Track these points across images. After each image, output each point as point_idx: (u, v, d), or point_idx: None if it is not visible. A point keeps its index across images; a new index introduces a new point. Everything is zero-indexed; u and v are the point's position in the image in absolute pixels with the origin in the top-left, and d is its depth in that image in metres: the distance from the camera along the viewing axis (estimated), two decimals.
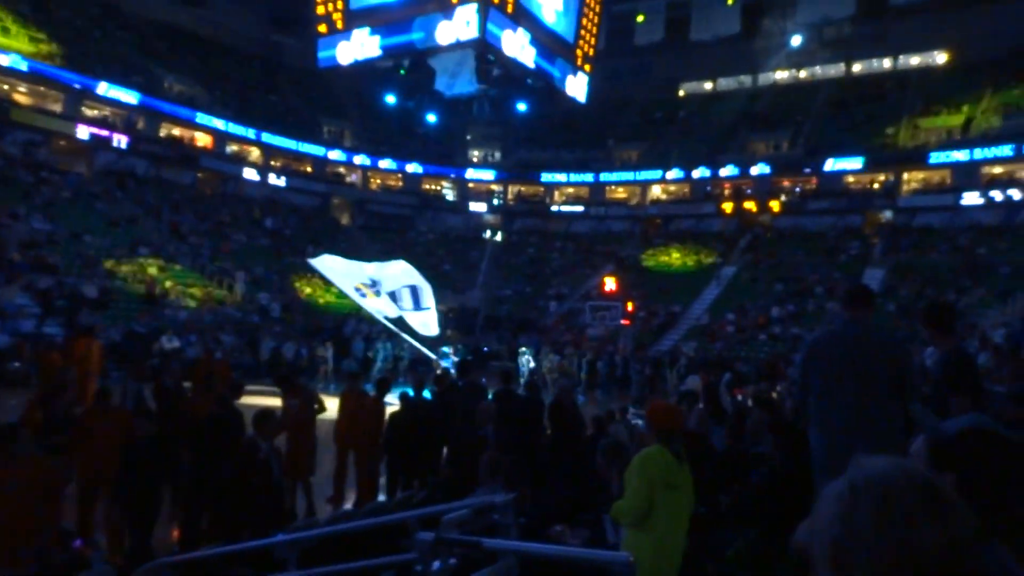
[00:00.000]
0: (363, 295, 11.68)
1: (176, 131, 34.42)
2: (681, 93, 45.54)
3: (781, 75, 42.78)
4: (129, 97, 31.71)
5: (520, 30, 10.29)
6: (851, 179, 35.49)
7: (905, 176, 34.31)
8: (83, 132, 30.09)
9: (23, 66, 28.45)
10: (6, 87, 29.19)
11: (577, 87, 11.87)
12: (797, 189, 36.65)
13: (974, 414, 1.67)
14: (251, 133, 36.47)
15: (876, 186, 34.96)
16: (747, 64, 42.23)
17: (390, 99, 18.52)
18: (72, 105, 30.32)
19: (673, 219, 38.81)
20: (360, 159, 40.48)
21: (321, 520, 5.70)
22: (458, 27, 9.93)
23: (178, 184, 33.00)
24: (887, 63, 40.58)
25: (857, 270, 29.77)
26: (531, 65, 10.96)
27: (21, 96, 29.77)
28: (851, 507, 0.86)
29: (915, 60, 39.61)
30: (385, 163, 41.22)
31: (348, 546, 4.24)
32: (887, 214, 33.94)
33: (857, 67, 41.30)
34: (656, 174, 39.31)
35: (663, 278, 32.72)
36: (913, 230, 31.76)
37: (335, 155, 39.90)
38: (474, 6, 9.55)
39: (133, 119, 32.37)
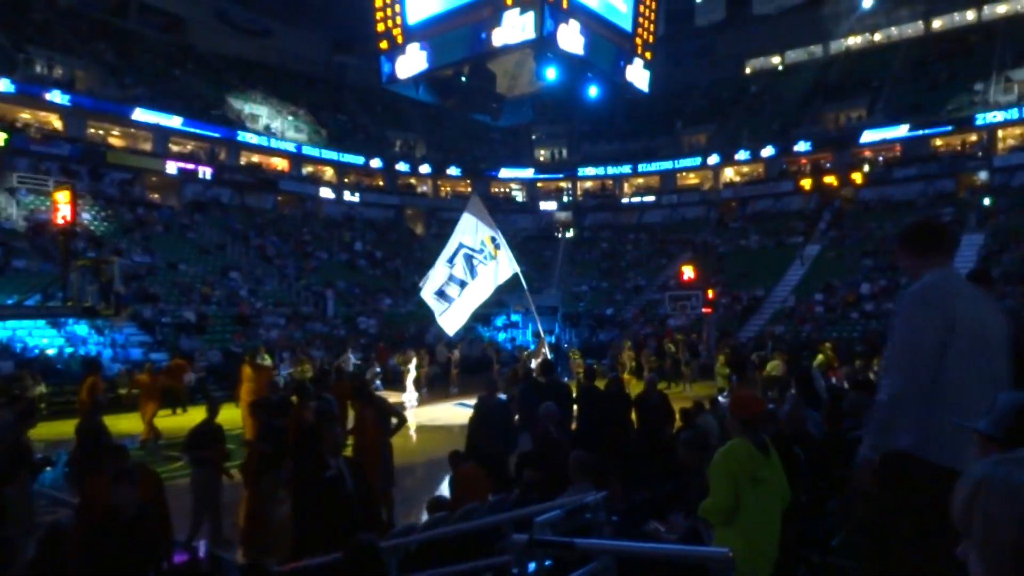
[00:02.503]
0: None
1: (255, 158, 36.02)
2: (748, 71, 44.17)
3: (854, 41, 40.81)
4: (205, 130, 33.46)
5: (576, 24, 10.21)
6: (939, 142, 33.46)
7: (1000, 133, 32.06)
8: (171, 167, 31.92)
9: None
10: (102, 132, 31.28)
11: (639, 76, 11.65)
12: (880, 158, 34.84)
13: None
14: (323, 153, 37.77)
15: (968, 147, 32.81)
16: (816, 33, 40.54)
17: (453, 109, 18.73)
18: (160, 143, 32.21)
19: (749, 201, 37.64)
20: (426, 168, 41.15)
21: (418, 526, 5.81)
22: (514, 29, 9.94)
23: (260, 209, 34.52)
24: (971, 15, 38.07)
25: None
26: (590, 59, 10.85)
27: (115, 139, 31.84)
28: None
29: (1002, 8, 36.98)
30: (458, 171, 41.76)
31: (445, 551, 4.33)
32: (982, 175, 31.82)
33: (937, 23, 38.93)
34: (727, 156, 38.22)
35: (744, 262, 31.78)
36: (1012, 190, 29.65)
37: (408, 168, 40.75)
38: (530, 6, 9.54)
39: (215, 150, 34.09)
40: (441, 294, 11.16)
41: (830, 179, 34.83)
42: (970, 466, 2.40)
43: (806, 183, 35.57)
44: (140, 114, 31.00)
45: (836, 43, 41.03)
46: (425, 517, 6.32)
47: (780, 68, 43.13)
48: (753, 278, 29.82)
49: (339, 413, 7.81)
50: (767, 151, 36.76)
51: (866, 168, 34.45)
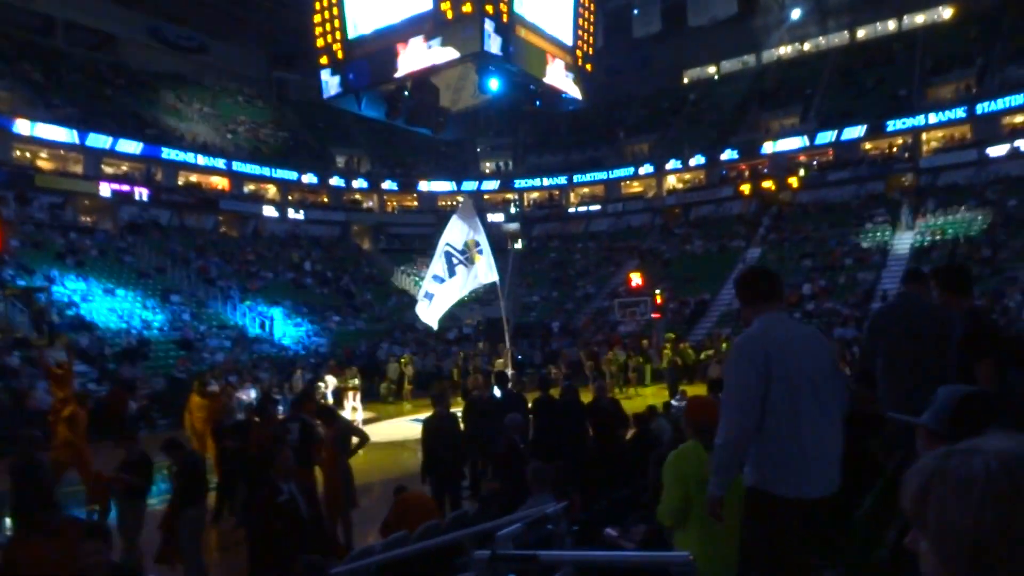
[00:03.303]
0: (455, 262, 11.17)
1: (193, 177, 35.09)
2: (685, 80, 45.26)
3: (785, 50, 42.30)
4: (140, 149, 32.42)
5: (517, 38, 10.34)
6: (868, 145, 34.90)
7: (924, 136, 33.66)
8: (105, 190, 30.81)
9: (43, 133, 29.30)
10: (28, 155, 30.02)
11: (579, 88, 11.88)
12: (814, 163, 36.14)
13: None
14: (265, 171, 37.04)
15: (895, 150, 34.32)
16: (749, 43, 41.84)
17: (396, 122, 18.63)
18: (92, 165, 31.07)
19: (692, 207, 38.51)
20: (359, 183, 40.82)
21: (376, 547, 5.72)
22: (456, 43, 10.00)
23: (201, 229, 33.61)
24: (892, 25, 39.95)
25: (885, 237, 29.27)
26: (531, 71, 11.00)
27: (43, 162, 30.60)
28: (997, 498, 0.75)
29: (920, 18, 38.96)
30: (395, 185, 41.55)
31: (405, 571, 4.27)
32: (909, 177, 33.32)
33: (862, 32, 40.72)
34: (668, 164, 39.07)
35: (689, 267, 32.47)
36: (939, 189, 31.12)
37: (343, 183, 40.34)
38: (471, 20, 9.62)
39: (151, 171, 33.06)
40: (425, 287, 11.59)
41: (768, 184, 35.95)
42: (807, 491, 2.64)
43: (745, 188, 36.61)
44: (70, 135, 29.89)
45: (768, 53, 42.45)
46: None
47: (716, 77, 44.35)
48: (699, 282, 30.48)
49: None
50: (706, 158, 37.72)
51: (801, 172, 35.68)
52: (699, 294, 29.71)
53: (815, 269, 28.42)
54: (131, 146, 31.97)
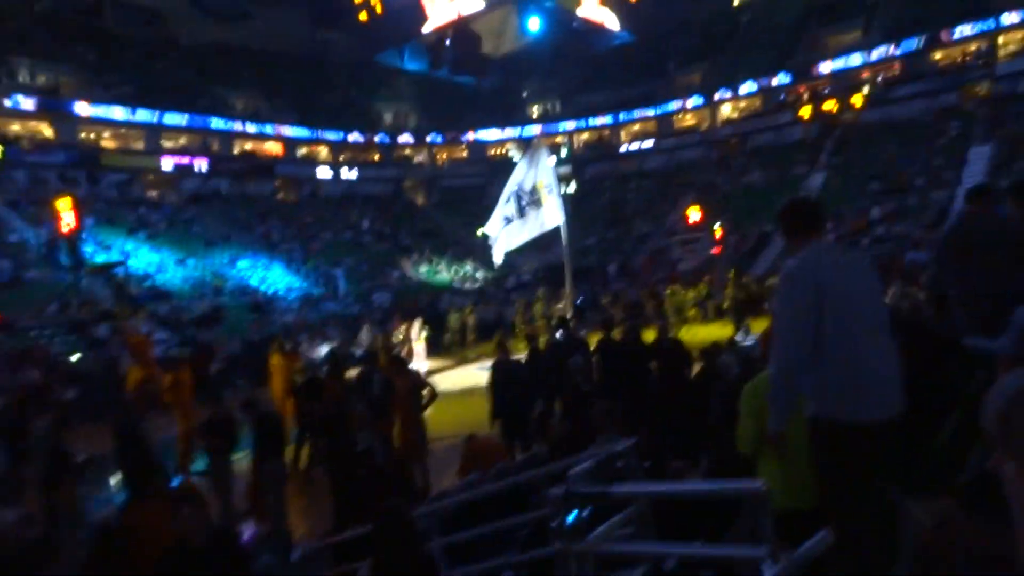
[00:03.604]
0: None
1: (248, 145, 35.81)
2: (736, 2, 43.13)
3: None
4: (194, 122, 33.26)
5: None
6: (938, 55, 32.72)
7: (1001, 40, 31.29)
8: (167, 164, 31.83)
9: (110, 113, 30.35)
10: (93, 135, 31.15)
11: (618, 19, 11.53)
12: (879, 79, 34.15)
13: None
14: (315, 133, 37.48)
15: (968, 58, 32.07)
16: None
17: (440, 74, 18.51)
18: (152, 141, 32.06)
19: (749, 137, 37.13)
20: (406, 138, 40.82)
21: (452, 490, 5.97)
22: None
23: (260, 196, 34.47)
24: None
25: (960, 152, 27.66)
26: (566, 5, 10.72)
27: (108, 141, 31.72)
28: None
29: None
30: (442, 137, 41.44)
31: (481, 511, 4.45)
32: (985, 86, 31.18)
33: None
34: (722, 94, 37.62)
35: (749, 199, 31.52)
36: (1019, 97, 29.04)
37: (391, 139, 40.45)
38: None
39: (207, 142, 33.90)
40: (494, 228, 11.78)
41: (829, 105, 34.26)
42: (871, 414, 2.58)
43: (805, 112, 35.01)
44: (128, 113, 30.82)
45: None
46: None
47: None
48: (760, 214, 29.60)
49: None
50: (763, 84, 36.13)
51: (866, 90, 33.81)
52: (760, 226, 28.90)
53: (883, 192, 27.19)
54: (185, 119, 32.85)
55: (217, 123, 34.01)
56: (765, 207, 29.87)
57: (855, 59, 34.00)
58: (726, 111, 38.79)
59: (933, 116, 30.89)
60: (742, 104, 38.26)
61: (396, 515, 3.14)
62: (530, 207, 11.06)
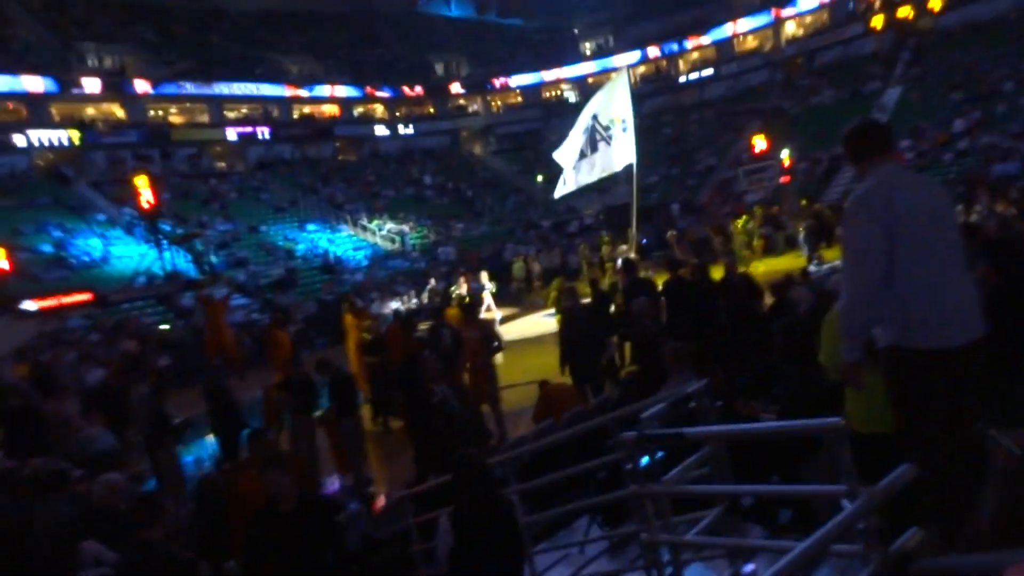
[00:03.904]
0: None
1: (306, 109, 36.31)
2: None
3: None
4: (256, 89, 33.90)
5: None
6: None
7: None
8: (232, 134, 32.69)
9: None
10: (161, 112, 32.20)
11: None
12: None
13: None
14: (369, 91, 37.61)
15: None
16: None
17: (488, 17, 18.10)
18: (216, 112, 32.91)
19: (816, 54, 35.10)
20: (457, 87, 40.39)
21: (527, 436, 6.09)
22: None
23: (322, 158, 35.08)
24: None
25: None
26: None
27: (175, 117, 32.76)
28: None
29: None
30: (498, 81, 40.85)
31: (556, 457, 4.53)
32: None
33: None
34: (785, 10, 35.53)
35: (819, 121, 29.99)
36: None
37: (442, 89, 40.18)
38: None
39: (268, 109, 34.54)
40: (567, 159, 11.07)
41: (904, 11, 31.90)
42: (951, 338, 2.46)
43: (877, 21, 32.74)
44: (190, 88, 31.70)
45: None
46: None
47: None
48: (831, 136, 28.12)
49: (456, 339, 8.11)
50: None
51: None
52: (832, 149, 27.52)
53: (967, 101, 25.34)
54: (244, 88, 33.48)
55: (274, 89, 34.56)
56: (836, 129, 28.37)
57: None
58: (790, 28, 36.70)
59: (1020, 13, 28.34)
60: (807, 19, 36.09)
61: (472, 464, 3.23)
62: (603, 142, 10.42)
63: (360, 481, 6.99)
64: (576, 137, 10.87)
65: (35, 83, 27.42)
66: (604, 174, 10.86)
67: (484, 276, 18.73)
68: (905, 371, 2.61)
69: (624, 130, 10.15)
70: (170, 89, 31.42)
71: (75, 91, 28.48)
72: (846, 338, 2.70)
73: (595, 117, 10.45)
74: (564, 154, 11.16)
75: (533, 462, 4.81)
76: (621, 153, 10.25)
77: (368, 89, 37.42)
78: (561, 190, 11.31)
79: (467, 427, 6.22)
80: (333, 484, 7.17)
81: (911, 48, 30.83)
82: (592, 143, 10.44)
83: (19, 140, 26.82)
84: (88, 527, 4.00)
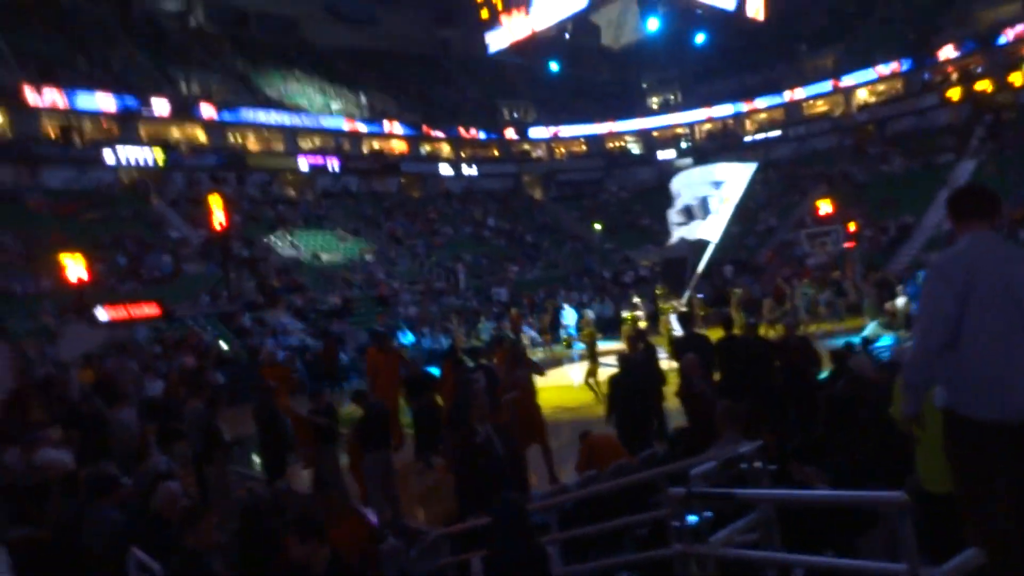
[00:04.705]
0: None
1: (376, 144, 37.49)
2: None
3: None
4: (334, 123, 35.39)
5: None
6: None
7: None
8: (303, 164, 33.95)
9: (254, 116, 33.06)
10: (239, 138, 33.75)
11: (753, 4, 11.11)
12: None
13: None
14: (432, 131, 38.63)
15: None
16: None
17: (557, 67, 18.53)
18: (291, 142, 34.30)
19: (888, 122, 34.55)
20: (538, 131, 41.13)
21: (570, 485, 6.02)
22: None
23: (387, 192, 36.02)
24: None
25: None
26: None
27: (252, 144, 34.28)
28: None
29: None
30: (565, 130, 41.47)
31: (598, 509, 4.47)
32: None
33: None
34: (858, 77, 35.23)
35: (887, 189, 29.35)
36: None
37: (513, 135, 40.99)
38: None
39: (340, 142, 35.83)
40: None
41: (983, 84, 31.23)
42: (1010, 412, 2.38)
43: (954, 93, 32.13)
44: (271, 117, 33.25)
45: None
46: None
47: None
48: (900, 205, 27.50)
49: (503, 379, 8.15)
50: (904, 64, 33.51)
51: None
52: (900, 217, 26.85)
53: None
54: (334, 122, 35.03)
55: (349, 124, 35.91)
56: (906, 197, 27.74)
57: (1020, 31, 30.71)
58: (862, 95, 36.30)
59: None
60: (880, 87, 35.67)
61: (512, 509, 3.22)
62: (712, 213, 11.53)
63: (393, 516, 6.97)
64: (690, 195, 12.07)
65: (126, 102, 29.12)
66: (687, 238, 11.92)
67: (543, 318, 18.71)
68: (959, 438, 2.61)
69: (716, 211, 11.26)
70: (251, 116, 32.93)
71: (156, 114, 30.04)
72: (905, 392, 2.78)
73: (717, 185, 11.62)
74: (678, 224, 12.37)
75: (575, 512, 4.76)
76: (709, 228, 11.20)
77: (428, 129, 38.42)
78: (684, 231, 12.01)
79: (509, 470, 6.19)
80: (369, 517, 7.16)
81: (987, 123, 30.07)
82: (705, 210, 11.49)
83: (108, 157, 28.39)
84: (136, 534, 4.12)
